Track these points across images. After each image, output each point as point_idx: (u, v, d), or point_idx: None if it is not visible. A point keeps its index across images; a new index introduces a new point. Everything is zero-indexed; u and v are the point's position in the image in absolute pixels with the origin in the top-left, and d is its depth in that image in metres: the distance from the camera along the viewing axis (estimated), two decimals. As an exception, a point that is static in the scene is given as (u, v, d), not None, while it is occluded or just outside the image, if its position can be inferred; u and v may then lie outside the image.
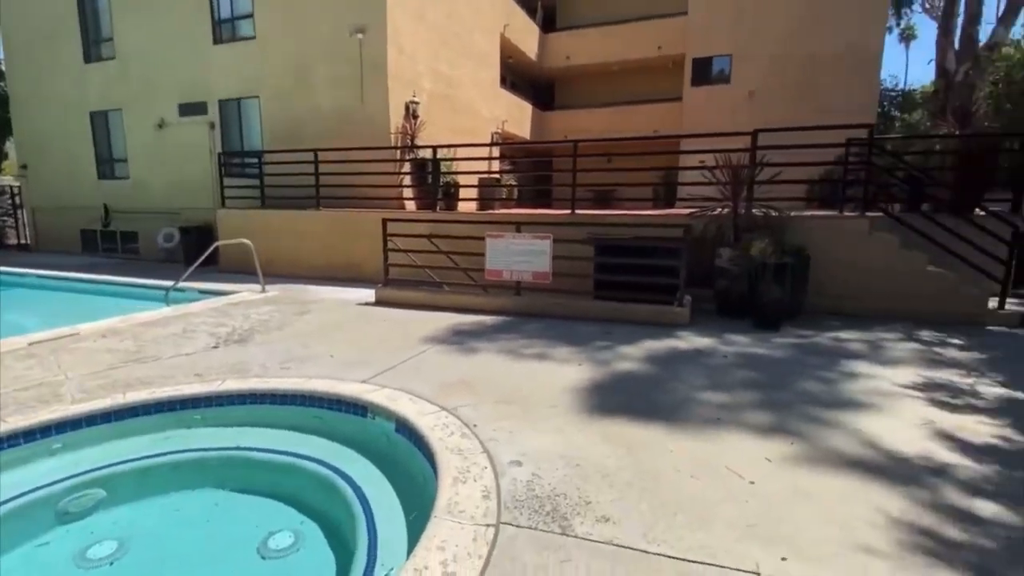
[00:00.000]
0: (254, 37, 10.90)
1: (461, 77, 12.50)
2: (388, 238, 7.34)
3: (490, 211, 10.33)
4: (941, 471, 2.78)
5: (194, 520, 2.96)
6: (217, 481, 3.22)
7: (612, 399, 3.71)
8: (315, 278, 9.18)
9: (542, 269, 6.45)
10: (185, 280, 7.38)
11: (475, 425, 3.20)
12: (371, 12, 9.75)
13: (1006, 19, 15.84)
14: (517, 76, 21.23)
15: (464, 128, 12.77)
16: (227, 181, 10.50)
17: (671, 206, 11.44)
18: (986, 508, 2.45)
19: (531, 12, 19.67)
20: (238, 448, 3.39)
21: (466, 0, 12.43)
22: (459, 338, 5.37)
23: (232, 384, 3.91)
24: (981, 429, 3.29)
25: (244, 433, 3.55)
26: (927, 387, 4.01)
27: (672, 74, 19.55)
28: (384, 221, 7.25)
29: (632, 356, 4.75)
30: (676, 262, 6.12)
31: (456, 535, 2.13)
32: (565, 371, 4.30)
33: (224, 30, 11.27)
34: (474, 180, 10.43)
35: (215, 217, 10.59)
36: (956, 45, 16.46)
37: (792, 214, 6.75)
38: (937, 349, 5.03)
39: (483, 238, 6.69)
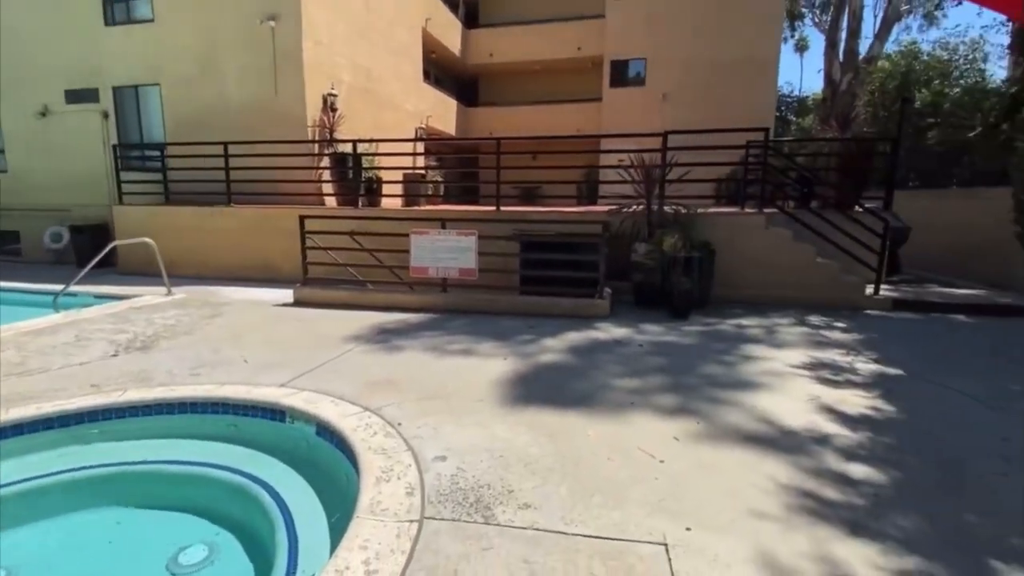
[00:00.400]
0: (152, 20, 10.06)
1: (382, 70, 12.22)
2: (307, 236, 7.08)
3: (415, 207, 10.22)
4: (823, 440, 3.12)
5: (93, 542, 2.75)
6: (119, 499, 3.01)
7: (535, 390, 3.83)
8: (227, 279, 8.68)
9: (468, 266, 6.49)
10: (78, 283, 6.72)
11: (399, 424, 3.19)
12: (283, 0, 9.30)
13: (881, 35, 17.75)
14: (441, 71, 21.05)
15: (387, 123, 12.51)
16: (125, 175, 9.64)
17: (593, 203, 11.86)
18: (858, 470, 2.79)
19: (453, 7, 19.55)
20: (143, 462, 3.17)
21: (385, -9, 12.16)
22: (383, 337, 5.30)
23: (135, 394, 3.65)
24: (857, 401, 3.72)
25: (150, 446, 3.33)
26: (814, 366, 4.46)
27: (592, 75, 20.16)
28: (302, 218, 6.99)
29: (555, 348, 4.91)
30: (596, 257, 6.37)
31: (379, 533, 2.14)
32: (490, 365, 4.38)
33: (118, 11, 10.30)
34: (398, 176, 10.25)
35: (111, 214, 9.70)
36: (841, 57, 18.21)
37: (699, 211, 7.22)
38: (823, 332, 5.60)
39: (408, 235, 6.63)
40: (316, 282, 7.19)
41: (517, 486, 2.55)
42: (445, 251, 6.52)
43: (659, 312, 6.41)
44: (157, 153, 10.15)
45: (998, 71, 15.69)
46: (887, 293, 6.91)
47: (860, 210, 7.38)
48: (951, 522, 2.35)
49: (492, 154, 7.92)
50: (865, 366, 4.50)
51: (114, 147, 9.92)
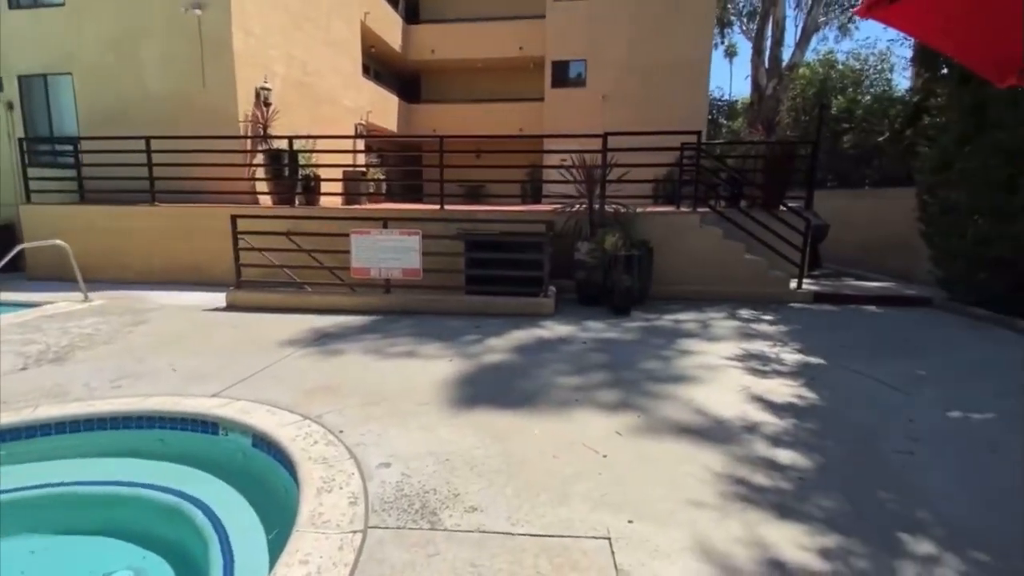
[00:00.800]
0: (63, 3, 9.26)
1: (319, 64, 11.81)
2: (239, 236, 6.75)
3: (356, 206, 9.97)
4: (753, 428, 3.30)
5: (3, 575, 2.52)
6: (33, 525, 2.77)
7: (482, 390, 3.84)
8: (153, 283, 8.14)
9: (412, 266, 6.40)
10: (-26, 291, 6.12)
11: (341, 431, 3.11)
12: (210, -14, 8.81)
13: (801, 44, 18.93)
14: (382, 67, 20.62)
15: (325, 118, 12.11)
16: (33, 172, 8.83)
17: (538, 202, 11.99)
18: (784, 455, 2.97)
19: (393, 2, 19.18)
20: (60, 484, 2.93)
21: (321, -19, 11.75)
22: (323, 341, 5.14)
23: (47, 410, 3.36)
24: (783, 390, 3.96)
25: (67, 466, 3.08)
26: (744, 358, 4.71)
27: (534, 75, 20.34)
28: (233, 218, 6.65)
29: (500, 348, 4.93)
30: (541, 256, 6.44)
31: (321, 546, 2.08)
32: (435, 367, 4.34)
33: (21, -8, 9.44)
34: (338, 174, 9.94)
35: (18, 215, 8.87)
36: (766, 64, 19.28)
37: (638, 210, 7.46)
38: (753, 325, 5.93)
39: (348, 235, 6.45)
40: (250, 285, 6.88)
41: (463, 489, 2.54)
42: (388, 251, 6.40)
43: (601, 309, 6.56)
44: (70, 148, 9.37)
45: (903, 81, 17.19)
46: (809, 287, 7.39)
47: (784, 209, 7.86)
48: (866, 500, 2.55)
49: (436, 152, 7.84)
50: (790, 356, 4.80)
51: (20, 141, 9.07)
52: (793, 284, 7.24)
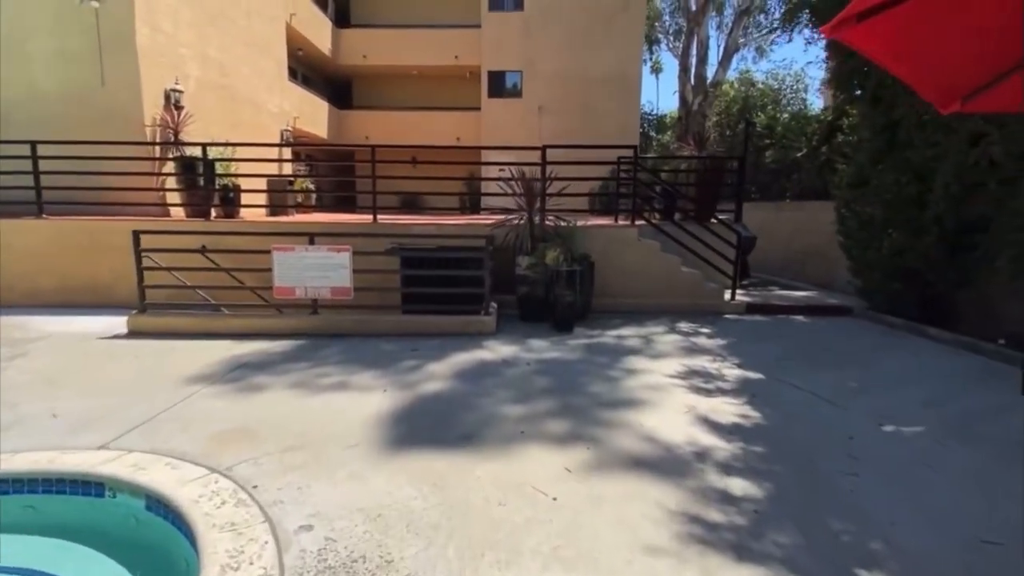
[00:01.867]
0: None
1: (239, 65, 11.03)
2: (143, 254, 6.04)
3: (283, 217, 9.33)
4: (703, 455, 3.20)
5: None
6: None
7: (419, 427, 3.53)
8: (41, 306, 7.16)
9: (341, 284, 5.96)
10: None
11: (255, 486, 2.71)
12: (109, -24, 7.96)
13: (724, 63, 19.95)
14: (311, 71, 19.76)
15: (246, 123, 11.32)
16: None
17: (477, 213, 11.78)
18: (736, 485, 2.87)
19: (322, 5, 18.44)
20: None
21: (240, -22, 11.01)
22: (240, 373, 4.63)
23: None
24: (728, 409, 3.92)
25: None
26: (688, 375, 4.67)
27: (470, 84, 20.18)
28: (136, 233, 5.95)
29: (439, 374, 4.63)
30: (481, 272, 6.20)
31: (222, 648, 1.71)
32: (367, 401, 3.98)
33: None
34: (261, 183, 9.28)
35: None
36: (692, 81, 20.14)
37: (578, 223, 7.39)
38: (693, 339, 5.96)
39: (280, 248, 5.92)
40: (158, 308, 6.18)
41: (397, 554, 2.24)
42: (315, 269, 5.93)
43: (544, 325, 6.40)
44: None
45: (816, 101, 18.55)
46: (741, 298, 7.59)
47: (715, 221, 8.07)
48: (820, 532, 2.47)
49: (369, 162, 7.45)
50: (731, 371, 4.81)
51: None
52: (727, 296, 7.41)
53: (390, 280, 6.58)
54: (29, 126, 7.97)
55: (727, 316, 7.15)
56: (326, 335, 5.90)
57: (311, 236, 5.97)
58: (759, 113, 12.42)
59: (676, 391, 4.29)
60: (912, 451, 3.34)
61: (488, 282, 6.21)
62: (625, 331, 6.28)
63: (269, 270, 5.97)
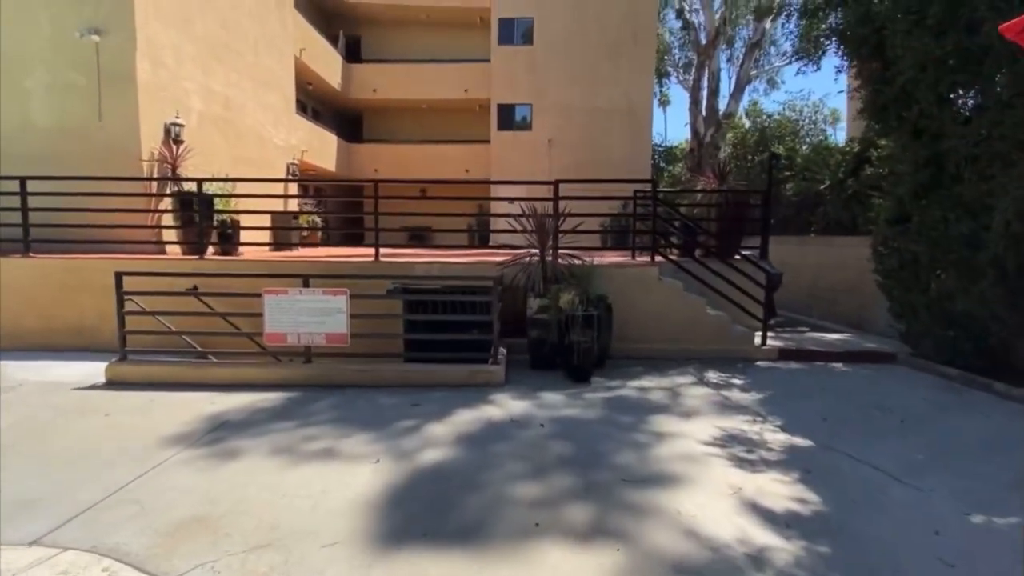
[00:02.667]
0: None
1: (245, 99, 10.86)
2: (127, 297, 5.62)
3: (285, 253, 8.95)
4: (759, 560, 2.60)
5: None
6: None
7: (414, 515, 2.96)
8: (23, 349, 6.73)
9: (337, 330, 5.47)
10: None
11: (202, 613, 2.16)
12: (112, 12, 7.79)
13: (735, 95, 19.76)
14: (321, 105, 19.84)
15: (250, 157, 11.09)
16: None
17: (486, 245, 11.38)
18: (808, 607, 2.27)
19: (332, 40, 18.59)
20: None
21: (249, 14, 10.92)
22: (219, 434, 4.11)
23: None
24: (779, 490, 3.31)
25: None
26: (726, 442, 4.08)
27: (480, 117, 20.14)
28: (118, 275, 5.53)
29: (441, 437, 4.07)
30: (489, 317, 5.69)
31: None
32: (356, 475, 3.43)
33: None
34: (264, 218, 8.95)
35: None
36: (703, 112, 19.94)
37: (594, 261, 6.90)
38: (724, 392, 5.36)
39: (271, 291, 5.47)
40: (141, 355, 5.73)
41: None
42: (309, 313, 5.45)
43: (558, 374, 5.85)
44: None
45: (835, 132, 18.27)
46: (772, 342, 6.99)
47: (739, 258, 7.55)
48: None
49: (375, 197, 7.08)
50: (774, 436, 4.21)
51: None
52: (757, 340, 6.82)
53: (391, 325, 6.11)
54: (25, 161, 7.72)
55: (759, 363, 6.54)
56: (320, 386, 5.38)
57: (305, 278, 5.51)
58: (778, 144, 12.03)
59: (714, 463, 3.69)
60: (1013, 552, 2.71)
61: (497, 327, 5.69)
62: (648, 382, 5.70)
63: (261, 314, 5.51)
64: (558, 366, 5.95)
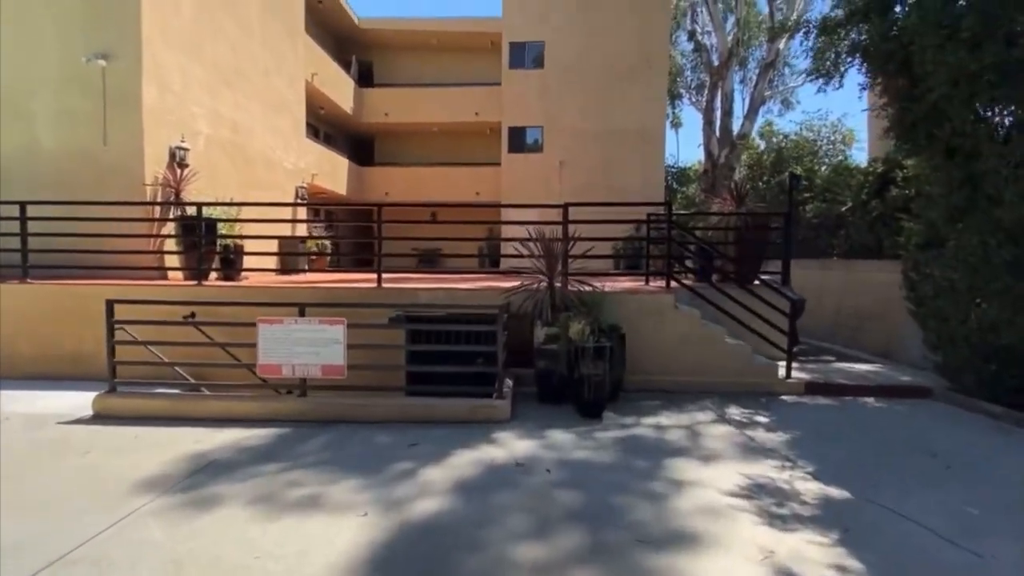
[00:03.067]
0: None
1: (253, 123, 10.84)
2: (118, 326, 5.40)
3: (291, 278, 8.76)
4: (801, 650, 2.20)
5: None
6: None
7: (400, 582, 2.62)
8: (17, 377, 6.55)
9: (334, 362, 5.18)
10: None
11: None
12: (119, 37, 7.80)
13: (749, 115, 19.51)
14: (333, 128, 19.98)
15: (259, 181, 11.02)
16: None
17: (496, 266, 11.12)
18: None
19: (345, 65, 18.79)
20: None
21: (259, 40, 10.97)
22: (200, 478, 3.81)
23: None
24: (816, 555, 2.91)
25: None
26: (752, 492, 3.67)
27: (491, 140, 20.12)
28: (109, 303, 5.32)
29: (437, 484, 3.72)
30: (494, 348, 5.37)
31: None
32: (341, 529, 3.09)
33: None
34: (270, 242, 8.80)
35: None
36: (717, 133, 19.70)
37: (605, 287, 6.57)
38: (748, 432, 4.94)
39: (265, 320, 5.22)
40: (131, 386, 5.48)
41: None
42: (304, 344, 5.18)
43: (567, 409, 5.48)
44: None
45: (855, 153, 17.86)
46: (798, 374, 6.56)
47: (759, 283, 7.17)
48: None
49: (389, 220, 6.89)
50: (806, 486, 3.79)
51: None
52: (781, 372, 6.39)
53: (393, 356, 5.83)
54: (29, 184, 7.67)
55: (784, 398, 6.11)
56: (314, 422, 5.08)
57: (301, 307, 5.25)
58: (796, 165, 11.69)
59: (741, 519, 3.29)
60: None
61: (502, 359, 5.37)
62: (665, 418, 5.30)
63: (255, 344, 5.25)
64: (567, 399, 5.59)
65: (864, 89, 6.28)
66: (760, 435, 4.85)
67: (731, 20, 20.05)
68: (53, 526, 3.11)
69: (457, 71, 20.65)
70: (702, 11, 20.95)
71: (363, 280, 7.60)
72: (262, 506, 3.39)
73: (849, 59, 6.04)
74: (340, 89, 17.92)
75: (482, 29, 19.65)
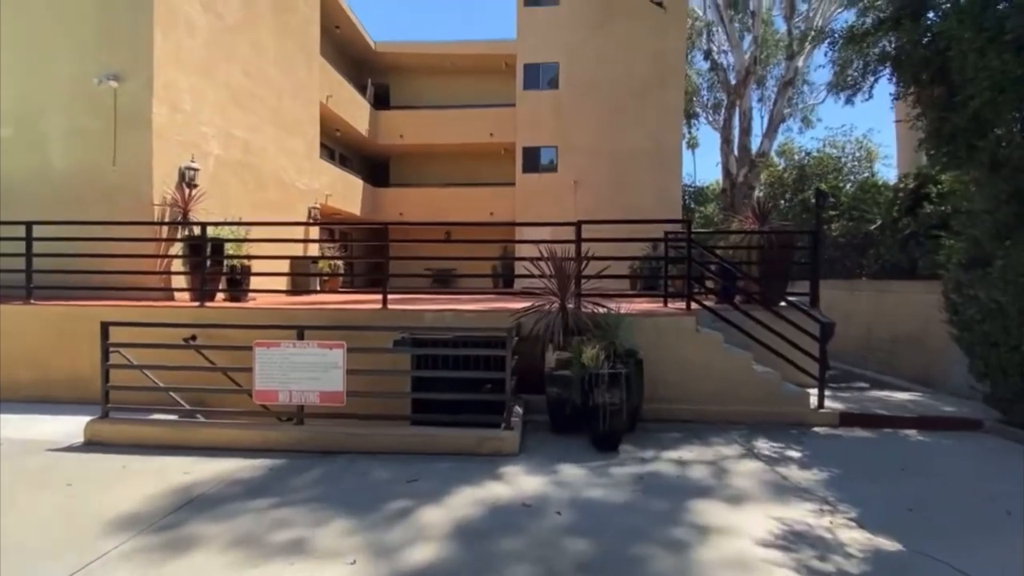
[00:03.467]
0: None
1: (266, 144, 10.83)
2: (113, 349, 5.21)
3: (296, 300, 8.59)
4: None
5: None
6: None
7: (383, 651, 2.27)
8: (16, 401, 6.39)
9: (333, 388, 4.89)
10: None
11: None
12: (131, 58, 7.83)
13: (769, 134, 19.13)
14: (349, 150, 20.13)
15: (271, 201, 10.97)
16: None
17: (511, 287, 10.84)
18: None
19: (361, 89, 18.98)
20: None
21: (274, 62, 11.04)
22: (181, 515, 3.52)
23: None
24: (870, 624, 2.49)
25: None
26: (788, 541, 3.25)
27: (505, 160, 20.04)
28: (104, 325, 5.14)
29: (435, 528, 3.37)
30: (502, 374, 5.04)
31: None
32: (324, 583, 2.76)
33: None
34: (280, 263, 8.67)
35: None
36: (735, 152, 19.35)
37: (621, 308, 6.21)
38: (779, 469, 4.50)
39: (262, 343, 4.99)
40: (127, 411, 5.26)
41: None
42: (302, 369, 4.91)
43: (581, 440, 5.10)
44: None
45: (883, 169, 17.34)
46: (831, 404, 6.09)
47: (785, 305, 6.76)
48: None
49: (398, 240, 6.68)
50: (850, 535, 3.36)
51: None
52: (813, 401, 5.93)
53: (397, 382, 5.55)
54: (42, 205, 7.65)
55: (816, 430, 5.64)
56: (310, 451, 4.78)
57: (300, 329, 5.00)
58: (820, 182, 11.28)
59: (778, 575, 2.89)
60: None
61: (511, 385, 5.03)
62: (687, 452, 4.89)
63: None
64: (581, 429, 5.21)
65: (896, 99, 5.93)
66: (793, 473, 4.41)
67: (748, 39, 19.83)
68: (23, 567, 2.85)
69: (472, 93, 20.73)
70: (718, 30, 20.82)
71: (370, 301, 7.36)
72: (242, 550, 3.08)
73: (880, 68, 5.70)
74: (355, 111, 18.06)
75: (496, 51, 19.75)
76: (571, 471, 4.38)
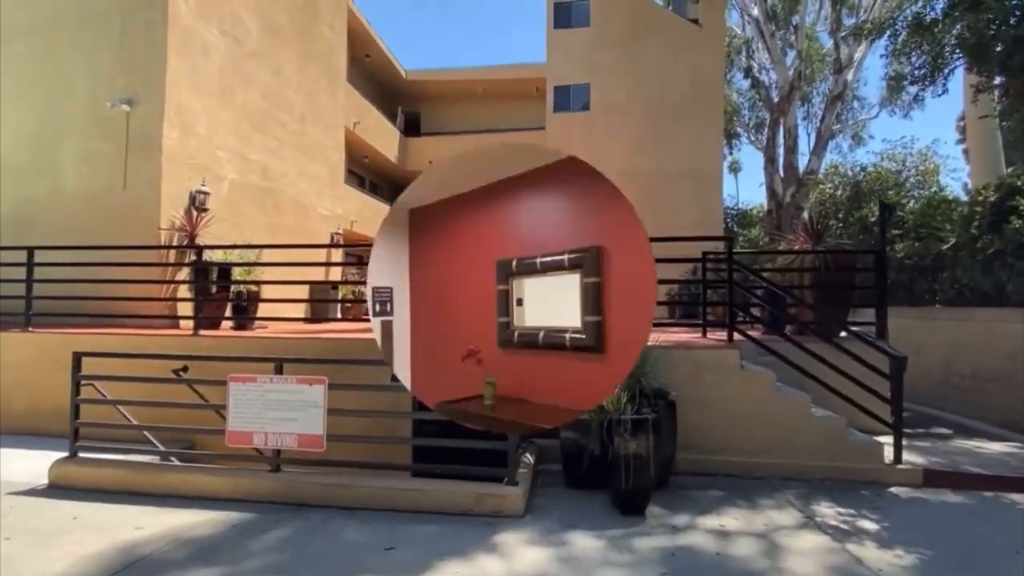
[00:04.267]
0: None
1: (286, 169, 10.67)
2: (86, 382, 4.79)
3: (312, 327, 8.14)
4: None
5: None
6: None
7: None
8: (10, 433, 6.10)
9: (311, 432, 4.28)
10: None
11: None
12: (145, 82, 7.75)
13: (817, 151, 17.99)
14: (378, 177, 20.14)
15: (289, 227, 10.74)
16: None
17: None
18: None
19: (391, 116, 19.04)
20: None
21: (295, 87, 10.95)
22: (106, 590, 2.93)
23: None
24: None
25: None
26: (875, 667, 2.35)
27: (536, 183, 19.54)
28: (77, 357, 4.74)
29: (401, 624, 2.65)
30: (505, 416, 4.31)
31: None
32: None
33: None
34: (298, 289, 8.30)
35: None
36: (781, 172, 18.25)
37: (651, 341, 5.40)
38: (851, 546, 3.55)
39: (238, 378, 4.45)
40: (99, 450, 4.80)
41: None
42: (278, 407, 4.33)
43: (600, 500, 4.29)
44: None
45: (950, 182, 15.88)
46: (910, 457, 5.04)
47: (845, 335, 5.79)
48: None
49: None
50: (963, 659, 2.43)
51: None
52: (888, 454, 4.90)
53: (393, 426, 4.90)
54: (55, 231, 7.54)
55: (893, 490, 4.61)
56: (283, 504, 4.15)
57: (279, 362, 4.44)
58: (880, 198, 10.19)
59: None
60: None
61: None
62: (729, 519, 3.99)
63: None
64: (600, 485, 4.39)
65: (980, 91, 5.02)
66: (870, 553, 3.45)
67: (791, 54, 18.91)
68: None
69: (503, 118, 20.53)
70: (758, 46, 19.99)
71: (368, 330, 6.80)
72: (151, 649, 2.43)
73: (955, 58, 4.83)
74: (384, 138, 18.05)
75: (526, 75, 19.54)
76: (584, 542, 3.57)
